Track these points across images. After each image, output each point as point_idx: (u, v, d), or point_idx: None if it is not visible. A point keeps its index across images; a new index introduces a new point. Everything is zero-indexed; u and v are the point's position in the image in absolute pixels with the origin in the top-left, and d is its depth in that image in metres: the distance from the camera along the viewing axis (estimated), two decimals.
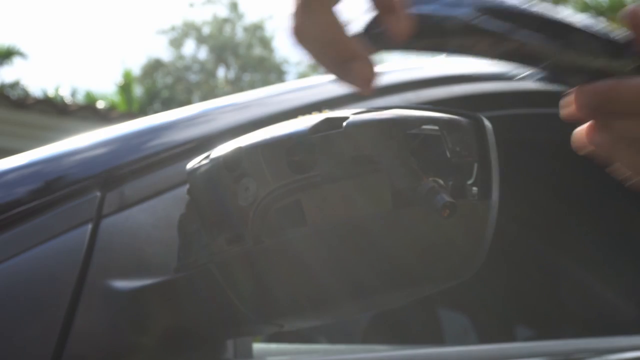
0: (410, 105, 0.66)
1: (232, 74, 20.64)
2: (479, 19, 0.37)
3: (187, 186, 0.68)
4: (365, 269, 0.60)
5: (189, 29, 20.82)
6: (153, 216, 0.73)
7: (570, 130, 0.56)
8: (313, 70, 19.95)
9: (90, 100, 12.61)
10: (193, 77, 20.69)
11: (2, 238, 0.67)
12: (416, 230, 0.59)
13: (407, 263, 0.60)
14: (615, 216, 1.60)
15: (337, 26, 0.35)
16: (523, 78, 0.49)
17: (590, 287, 1.70)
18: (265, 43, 20.84)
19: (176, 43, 20.84)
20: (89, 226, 0.69)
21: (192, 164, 0.67)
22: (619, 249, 1.61)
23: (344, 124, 0.59)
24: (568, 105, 0.38)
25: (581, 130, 0.41)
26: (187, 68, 20.68)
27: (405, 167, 0.58)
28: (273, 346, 0.99)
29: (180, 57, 20.79)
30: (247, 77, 20.32)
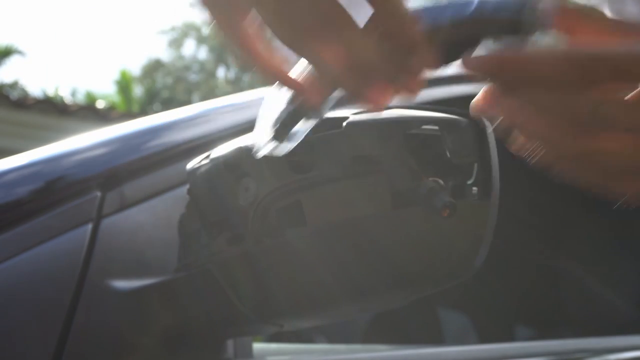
0: (410, 105, 0.66)
1: (232, 74, 20.63)
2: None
3: (187, 186, 0.68)
4: (365, 269, 0.60)
5: (189, 29, 20.82)
6: (153, 216, 0.73)
7: None
8: None
9: (90, 100, 12.62)
10: (193, 77, 20.70)
11: (3, 238, 0.68)
12: (416, 230, 0.59)
13: (407, 263, 0.60)
14: (615, 216, 1.60)
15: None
16: None
17: (590, 287, 1.70)
18: None
19: (176, 43, 20.84)
20: (89, 226, 0.69)
21: (192, 164, 0.67)
22: (618, 249, 1.61)
23: (344, 124, 0.59)
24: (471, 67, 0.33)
25: (482, 92, 0.36)
26: (187, 68, 20.68)
27: (405, 167, 0.58)
28: (273, 346, 0.99)
29: (180, 57, 20.79)
30: (247, 77, 20.32)
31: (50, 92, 12.42)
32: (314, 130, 0.59)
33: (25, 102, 6.39)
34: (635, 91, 0.28)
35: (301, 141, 0.59)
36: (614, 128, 0.27)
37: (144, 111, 14.13)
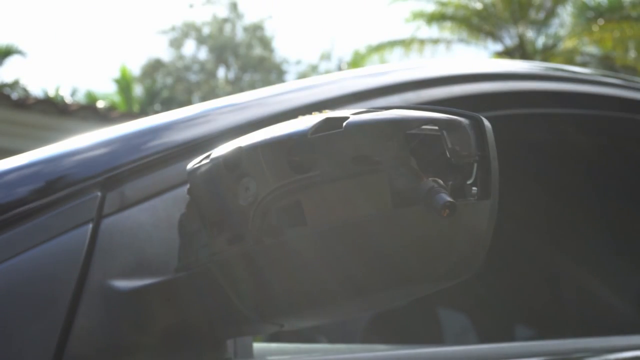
0: (410, 105, 0.66)
1: (232, 74, 20.64)
2: None
3: (187, 186, 0.68)
4: (365, 268, 0.60)
5: (189, 29, 20.82)
6: (153, 216, 0.73)
7: (569, 130, 0.56)
8: (313, 70, 19.92)
9: (91, 100, 12.61)
10: (193, 77, 20.70)
11: (3, 238, 0.68)
12: (416, 229, 0.59)
13: (406, 262, 0.60)
14: (614, 216, 1.60)
15: None
16: None
17: (589, 287, 1.70)
18: (265, 43, 20.84)
19: (176, 43, 20.84)
20: (90, 226, 0.70)
21: (192, 164, 0.67)
22: (618, 249, 1.61)
23: (344, 124, 0.59)
24: None
25: None
26: (187, 68, 20.68)
27: (405, 167, 0.59)
28: (273, 345, 0.99)
29: (181, 57, 20.78)
30: (247, 77, 20.32)
31: (51, 92, 12.42)
32: (314, 131, 0.59)
33: (26, 102, 6.39)
34: None
35: (301, 141, 0.59)
36: None
37: (144, 111, 14.13)
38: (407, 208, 0.58)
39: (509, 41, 12.15)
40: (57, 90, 12.81)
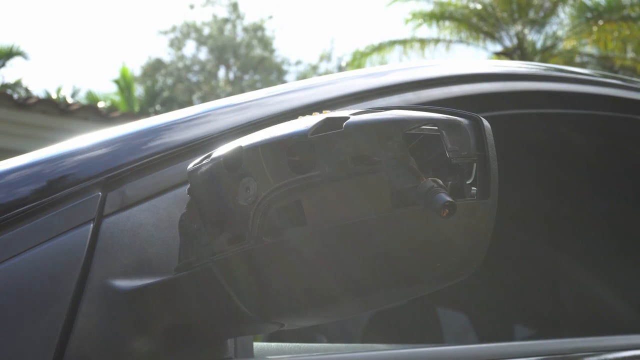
0: (409, 105, 0.67)
1: (232, 75, 20.62)
2: None
3: (188, 186, 0.68)
4: (365, 268, 0.60)
5: (190, 30, 20.80)
6: (154, 216, 0.73)
7: (568, 130, 0.57)
8: (313, 70, 19.91)
9: (92, 100, 12.60)
10: (194, 78, 20.68)
11: (5, 238, 0.68)
12: (415, 229, 0.59)
13: (406, 262, 0.60)
14: (614, 216, 1.60)
15: None
16: None
17: (589, 287, 1.70)
18: (266, 43, 20.82)
19: (177, 44, 20.82)
20: (91, 226, 0.70)
21: (193, 164, 0.67)
22: (618, 249, 1.61)
23: (344, 124, 0.59)
24: None
25: None
26: (188, 68, 20.66)
27: (405, 167, 0.59)
28: (273, 345, 0.99)
29: (181, 57, 20.77)
30: (247, 77, 20.30)
31: (52, 93, 12.40)
32: (314, 131, 0.59)
33: (27, 102, 6.38)
34: None
35: (301, 141, 0.59)
36: None
37: (144, 111, 14.12)
38: (406, 208, 0.58)
39: (508, 42, 12.14)
40: (58, 90, 12.79)
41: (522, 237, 1.57)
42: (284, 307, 0.64)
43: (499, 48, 12.18)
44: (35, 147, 0.82)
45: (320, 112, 0.64)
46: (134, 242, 0.71)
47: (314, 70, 20.37)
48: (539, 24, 12.15)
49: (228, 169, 0.62)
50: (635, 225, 1.58)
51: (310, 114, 0.64)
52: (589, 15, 11.48)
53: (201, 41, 20.64)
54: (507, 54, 11.70)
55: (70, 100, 9.94)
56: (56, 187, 0.72)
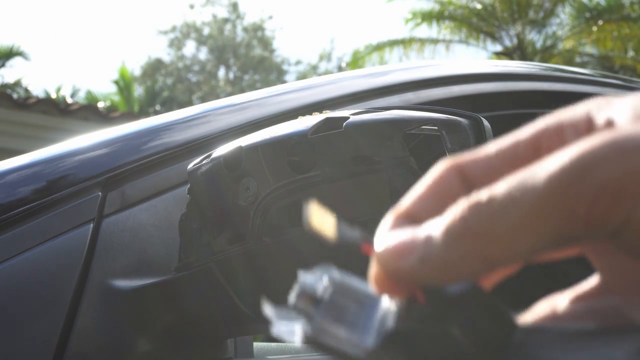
0: (409, 105, 0.67)
1: (232, 75, 20.62)
2: None
3: (188, 186, 0.68)
4: (365, 268, 0.60)
5: (190, 30, 20.81)
6: (154, 216, 0.73)
7: None
8: (313, 70, 19.93)
9: (91, 100, 12.60)
10: (193, 78, 20.68)
11: (5, 238, 0.68)
12: None
13: None
14: None
15: None
16: None
17: None
18: (266, 43, 20.82)
19: (177, 44, 20.83)
20: (91, 226, 0.70)
21: (193, 164, 0.67)
22: None
23: (344, 124, 0.59)
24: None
25: None
26: (188, 68, 20.66)
27: (405, 167, 0.59)
28: (273, 345, 0.99)
29: (181, 57, 20.77)
30: (247, 77, 20.31)
31: (52, 93, 12.40)
32: (314, 131, 0.59)
33: (27, 102, 6.38)
34: None
35: (301, 141, 0.59)
36: None
37: (144, 111, 14.13)
38: None
39: (508, 41, 12.14)
40: (58, 90, 12.79)
41: None
42: (284, 307, 0.64)
43: (499, 48, 12.18)
44: (35, 147, 0.82)
45: (320, 112, 0.64)
46: (133, 242, 0.70)
47: (313, 70, 20.38)
48: (539, 24, 12.15)
49: (228, 169, 0.62)
50: None
51: (310, 114, 0.64)
52: (588, 15, 11.49)
53: (201, 41, 20.65)
54: (507, 54, 11.70)
55: (70, 100, 9.94)
56: (56, 187, 0.72)
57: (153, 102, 16.62)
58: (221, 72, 20.81)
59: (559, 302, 0.30)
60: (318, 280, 0.28)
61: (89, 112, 6.40)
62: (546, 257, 0.27)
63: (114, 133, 0.82)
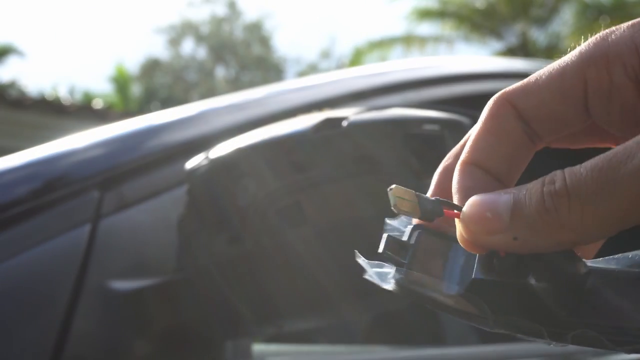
0: (411, 104, 0.66)
1: (230, 73, 20.66)
2: None
3: (186, 186, 0.67)
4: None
5: (187, 28, 20.83)
6: (152, 216, 0.72)
7: None
8: (313, 69, 19.97)
9: (88, 99, 12.63)
10: (191, 76, 20.71)
11: (1, 238, 0.67)
12: None
13: None
14: None
15: None
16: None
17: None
18: (264, 41, 20.85)
19: (174, 42, 20.85)
20: (88, 226, 0.69)
21: (191, 164, 0.67)
22: (618, 249, 1.61)
23: (344, 123, 0.58)
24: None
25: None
26: (186, 67, 20.69)
27: (406, 167, 0.58)
28: (273, 347, 0.99)
29: (179, 56, 20.80)
30: (246, 76, 20.34)
31: (48, 92, 12.43)
32: (314, 130, 0.59)
33: (23, 102, 6.39)
34: None
35: (301, 141, 0.59)
36: None
37: (142, 110, 14.15)
38: None
39: (511, 39, 12.16)
40: (54, 89, 12.83)
41: None
42: (283, 308, 0.64)
43: (502, 46, 12.20)
44: (32, 146, 0.81)
45: (321, 111, 0.63)
46: (131, 243, 0.70)
47: (313, 68, 20.42)
48: (542, 22, 12.17)
49: (227, 169, 0.61)
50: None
51: (310, 113, 0.64)
52: (592, 13, 11.52)
53: (199, 39, 20.68)
54: (510, 51, 11.73)
55: (66, 99, 9.95)
56: (53, 187, 0.72)
57: (151, 101, 16.66)
58: (219, 71, 20.84)
59: None
60: (404, 228, 0.31)
61: (85, 112, 6.41)
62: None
63: (111, 132, 0.81)
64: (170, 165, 0.76)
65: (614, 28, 0.27)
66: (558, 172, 0.26)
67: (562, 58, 0.28)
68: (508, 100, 0.28)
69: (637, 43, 0.26)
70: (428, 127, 0.61)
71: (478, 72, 1.08)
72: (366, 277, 0.30)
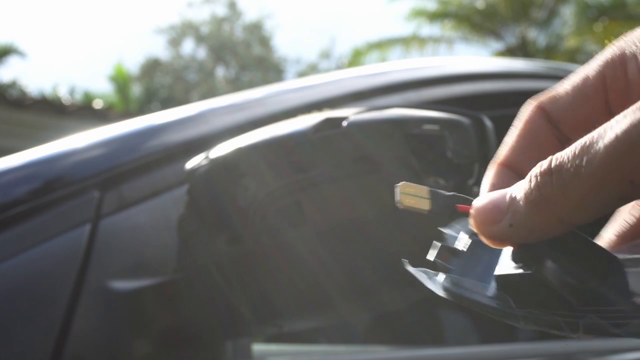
0: (411, 104, 0.66)
1: (231, 73, 20.64)
2: None
3: (186, 186, 0.67)
4: (365, 269, 0.60)
5: (188, 29, 20.82)
6: (152, 216, 0.72)
7: None
8: (313, 69, 19.96)
9: (89, 99, 12.62)
10: (192, 77, 20.70)
11: (1, 238, 0.67)
12: (416, 230, 0.59)
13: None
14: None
15: None
16: None
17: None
18: (264, 42, 20.84)
19: (175, 42, 20.84)
20: (88, 226, 0.69)
21: (191, 164, 0.67)
22: None
23: (344, 123, 0.58)
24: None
25: None
26: (186, 67, 20.68)
27: (406, 167, 0.58)
28: (273, 347, 0.99)
29: (179, 56, 20.79)
30: (246, 76, 20.33)
31: (48, 92, 12.43)
32: (314, 130, 0.59)
33: (24, 101, 6.39)
34: None
35: (301, 141, 0.59)
36: None
37: (142, 110, 14.15)
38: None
39: (511, 40, 12.15)
40: (54, 89, 12.82)
41: None
42: (283, 308, 0.64)
43: (501, 46, 12.19)
44: (32, 146, 0.81)
45: (321, 111, 0.63)
46: (131, 243, 0.70)
47: (313, 69, 20.40)
48: (542, 22, 12.16)
49: (227, 169, 0.61)
50: None
51: (310, 113, 0.64)
52: (592, 13, 11.51)
53: (199, 39, 20.67)
54: (510, 52, 11.72)
55: (67, 99, 9.95)
56: (53, 187, 0.72)
57: (151, 101, 16.66)
58: (219, 71, 20.83)
59: (606, 237, 0.35)
60: (455, 236, 0.33)
61: (86, 112, 6.41)
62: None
63: (111, 132, 0.81)
64: (170, 165, 0.76)
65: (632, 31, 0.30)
66: (547, 158, 0.28)
67: (586, 63, 0.31)
68: (539, 106, 0.31)
69: None
70: (428, 127, 0.61)
71: (478, 73, 1.08)
72: (423, 282, 0.31)
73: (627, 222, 0.34)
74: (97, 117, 6.24)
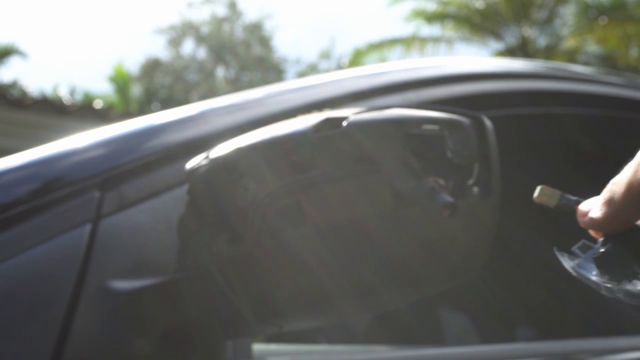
0: (411, 104, 0.66)
1: (231, 74, 20.64)
2: None
3: (186, 186, 0.67)
4: (366, 269, 0.60)
5: (188, 29, 20.81)
6: (152, 216, 0.72)
7: (571, 129, 0.56)
8: (313, 69, 19.95)
9: (89, 99, 12.62)
10: (192, 77, 20.69)
11: (1, 238, 0.67)
12: (417, 230, 0.59)
13: (407, 264, 0.60)
14: None
15: None
16: None
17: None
18: (264, 42, 20.84)
19: (175, 42, 20.83)
20: (88, 226, 0.69)
21: (191, 164, 0.67)
22: None
23: (345, 123, 0.58)
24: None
25: None
26: (186, 67, 20.67)
27: (406, 167, 0.58)
28: (273, 347, 0.99)
29: (179, 56, 20.78)
30: (246, 76, 20.32)
31: (49, 92, 12.43)
32: (314, 130, 0.58)
33: (24, 102, 6.38)
34: None
35: (301, 141, 0.59)
36: None
37: (142, 110, 14.15)
38: (407, 208, 0.58)
39: (511, 40, 12.14)
40: (55, 89, 12.82)
41: (525, 237, 1.57)
42: (283, 308, 0.64)
43: (501, 46, 12.18)
44: (32, 146, 0.81)
45: (321, 111, 0.63)
46: (131, 243, 0.70)
47: (313, 69, 20.39)
48: (542, 23, 12.15)
49: (227, 170, 0.61)
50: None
51: (310, 113, 0.64)
52: (592, 13, 11.49)
53: (199, 40, 20.66)
54: (510, 52, 11.71)
55: (67, 99, 9.95)
56: (53, 187, 0.72)
57: (151, 101, 16.65)
58: (220, 71, 20.83)
59: None
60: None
61: (86, 112, 6.40)
62: None
63: (111, 132, 0.81)
64: (170, 165, 0.76)
65: None
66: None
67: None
68: None
69: None
70: (428, 127, 0.61)
71: (478, 73, 1.08)
72: (563, 262, 0.49)
73: None
74: (97, 117, 6.23)
